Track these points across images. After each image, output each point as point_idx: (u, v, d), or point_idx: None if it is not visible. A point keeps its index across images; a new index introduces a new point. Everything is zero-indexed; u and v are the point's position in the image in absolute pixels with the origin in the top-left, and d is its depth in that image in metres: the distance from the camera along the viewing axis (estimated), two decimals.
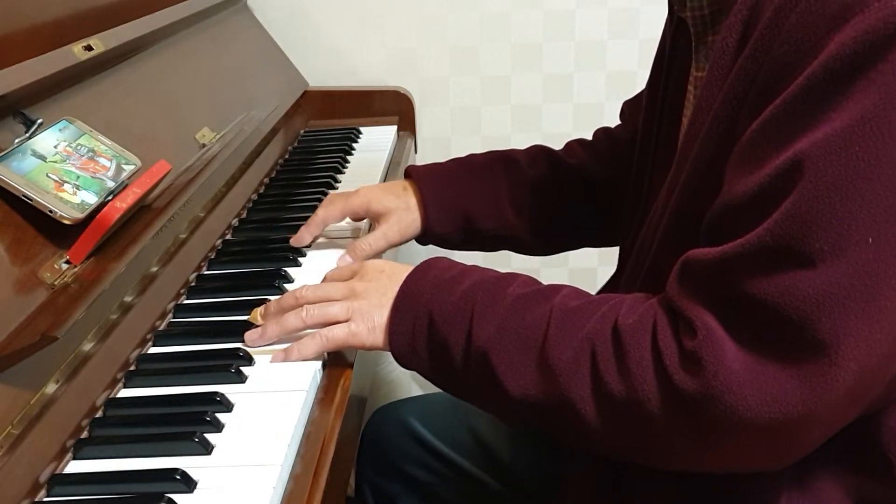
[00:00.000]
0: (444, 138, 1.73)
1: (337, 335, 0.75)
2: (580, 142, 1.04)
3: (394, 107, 1.58)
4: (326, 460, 0.67)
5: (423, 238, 0.99)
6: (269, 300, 0.87)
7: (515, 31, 1.65)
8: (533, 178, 0.99)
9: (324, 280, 0.83)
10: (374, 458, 1.02)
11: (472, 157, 1.03)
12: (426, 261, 0.77)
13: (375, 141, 1.46)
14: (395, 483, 1.00)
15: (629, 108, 1.03)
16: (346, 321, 0.75)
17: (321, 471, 0.66)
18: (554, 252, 1.07)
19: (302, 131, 1.51)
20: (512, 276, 0.73)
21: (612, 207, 0.99)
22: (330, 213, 0.99)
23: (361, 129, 1.50)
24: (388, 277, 0.77)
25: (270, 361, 0.76)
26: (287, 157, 1.37)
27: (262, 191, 1.21)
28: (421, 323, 0.72)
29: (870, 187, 0.51)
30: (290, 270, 0.94)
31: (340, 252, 0.98)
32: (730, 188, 0.58)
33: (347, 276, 0.80)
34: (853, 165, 0.51)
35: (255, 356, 0.77)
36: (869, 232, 0.51)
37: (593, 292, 0.65)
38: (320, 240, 1.01)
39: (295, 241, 0.99)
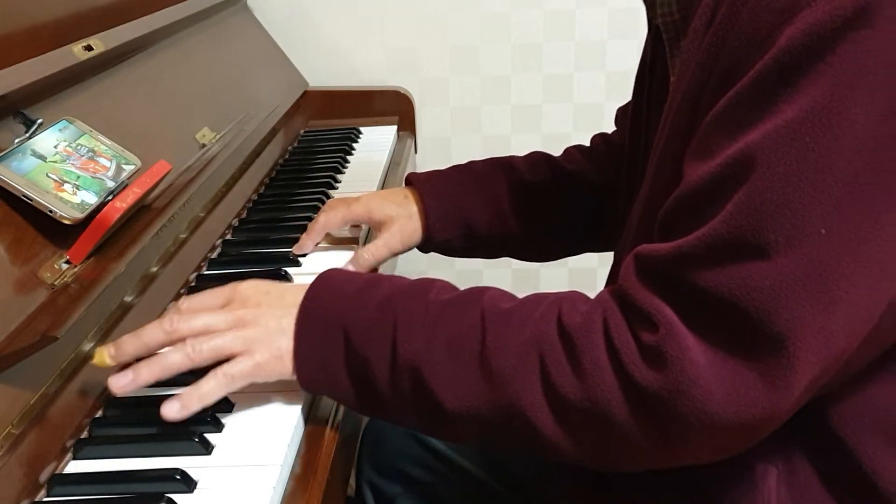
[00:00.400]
0: (444, 138, 1.73)
1: (242, 370, 0.66)
2: (579, 148, 1.04)
3: (394, 107, 1.58)
4: (327, 460, 0.67)
5: (424, 246, 0.99)
6: None
7: (515, 31, 1.65)
8: (533, 184, 0.99)
9: (185, 307, 0.71)
10: (373, 457, 1.02)
11: (472, 164, 1.03)
12: (320, 275, 0.71)
13: (375, 141, 1.46)
14: (395, 483, 1.00)
15: (623, 114, 1.03)
16: (242, 352, 0.67)
17: (321, 471, 0.66)
18: (555, 258, 1.07)
19: (302, 131, 1.51)
20: (428, 282, 0.68)
21: (611, 213, 0.99)
22: (331, 220, 0.98)
23: (361, 129, 1.50)
24: (279, 298, 0.69)
25: (161, 414, 0.65)
26: (287, 157, 1.37)
27: (262, 191, 1.21)
28: (334, 342, 0.65)
29: (821, 178, 0.51)
30: (290, 270, 0.94)
31: (339, 252, 0.98)
32: (684, 179, 0.58)
33: (219, 303, 0.71)
34: (804, 157, 0.51)
35: None
36: (822, 223, 0.51)
37: (593, 293, 0.65)
38: (371, 266, 1.01)
39: (297, 249, 0.99)
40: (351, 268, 0.94)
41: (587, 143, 1.06)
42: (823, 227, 0.51)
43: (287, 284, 0.72)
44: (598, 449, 0.61)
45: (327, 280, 0.70)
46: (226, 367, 0.66)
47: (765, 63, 0.53)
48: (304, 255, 0.99)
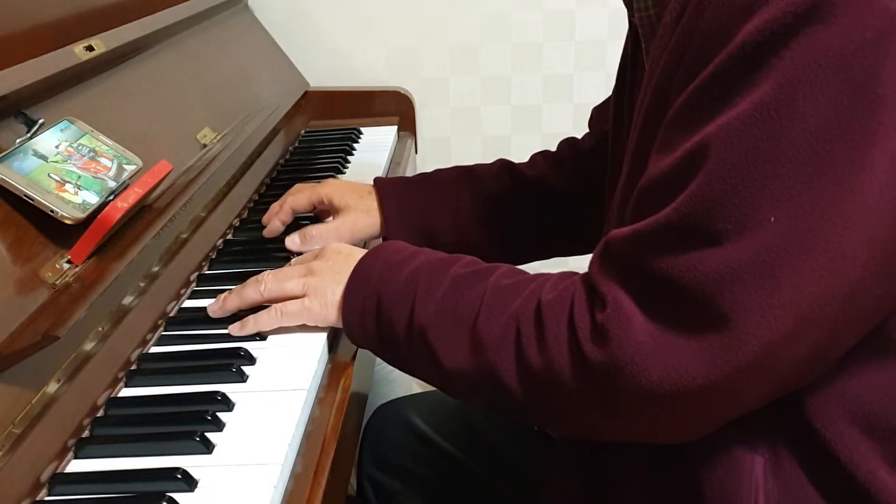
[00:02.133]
0: (444, 138, 1.73)
1: (291, 309, 0.79)
2: (544, 154, 1.06)
3: (394, 107, 1.58)
4: (327, 459, 0.67)
5: None
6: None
7: (515, 31, 1.66)
8: (494, 192, 1.01)
9: (294, 260, 0.87)
10: (375, 454, 1.02)
11: (436, 171, 1.06)
12: (381, 244, 0.82)
13: (376, 141, 1.46)
14: (397, 480, 1.00)
15: (597, 114, 1.04)
16: (302, 297, 0.79)
17: (322, 470, 0.66)
18: (526, 262, 1.07)
19: (302, 131, 1.51)
20: (456, 258, 0.75)
21: (574, 219, 1.01)
22: (298, 201, 1.03)
23: (362, 129, 1.50)
24: (345, 259, 0.80)
25: (227, 330, 0.80)
26: (288, 157, 1.37)
27: (262, 191, 1.21)
28: (370, 302, 0.75)
29: (770, 168, 0.53)
30: None
31: None
32: (647, 172, 0.61)
33: (310, 260, 0.84)
34: (753, 147, 0.53)
35: (256, 356, 0.77)
36: (770, 211, 0.53)
37: None
38: (318, 245, 1.01)
39: (268, 233, 1.03)
40: (295, 239, 0.98)
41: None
42: (772, 215, 0.53)
43: (358, 249, 0.82)
44: (553, 414, 0.67)
45: (380, 249, 0.79)
46: (280, 305, 0.79)
47: (722, 59, 0.55)
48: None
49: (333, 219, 1.00)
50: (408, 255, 0.77)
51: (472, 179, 1.02)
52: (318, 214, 1.06)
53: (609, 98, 0.99)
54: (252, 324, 0.80)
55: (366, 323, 0.76)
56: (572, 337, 0.62)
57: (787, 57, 0.52)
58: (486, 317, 0.68)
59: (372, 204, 1.01)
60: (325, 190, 1.02)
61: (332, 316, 0.78)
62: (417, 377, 0.77)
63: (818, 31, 0.51)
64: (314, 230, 0.98)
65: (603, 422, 0.64)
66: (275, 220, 1.02)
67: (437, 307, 0.71)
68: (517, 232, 1.02)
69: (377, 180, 1.04)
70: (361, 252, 0.80)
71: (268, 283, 0.81)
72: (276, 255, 0.99)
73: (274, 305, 0.80)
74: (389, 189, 1.02)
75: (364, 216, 1.00)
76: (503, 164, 1.04)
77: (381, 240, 1.02)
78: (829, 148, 0.52)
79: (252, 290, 0.81)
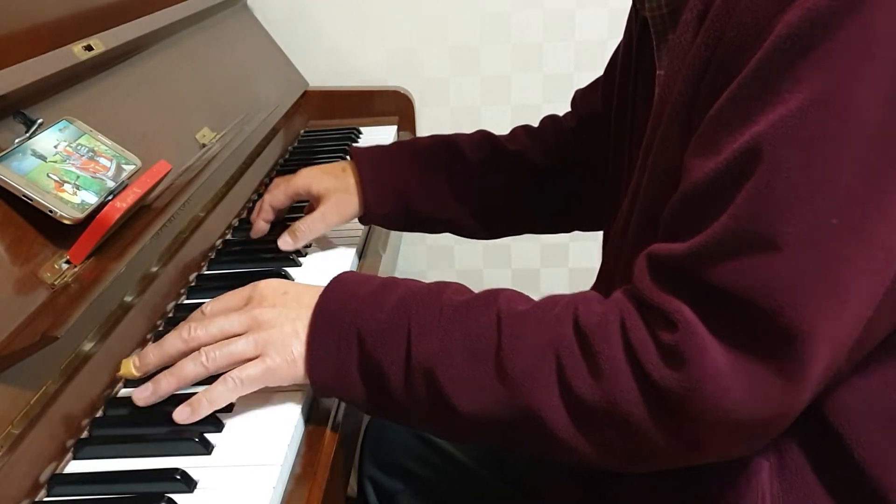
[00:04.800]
0: None
1: (252, 375, 0.66)
2: (525, 128, 1.05)
3: (394, 107, 1.58)
4: (327, 460, 0.67)
5: (364, 219, 1.00)
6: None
7: (515, 31, 1.65)
8: (473, 163, 1.00)
9: (209, 311, 0.72)
10: (375, 454, 1.02)
11: (415, 139, 1.05)
12: (334, 278, 0.70)
13: (376, 141, 1.45)
14: (397, 479, 1.00)
15: (582, 97, 1.04)
16: (255, 356, 0.67)
17: (321, 470, 0.66)
18: (497, 237, 1.06)
19: (302, 131, 1.51)
20: (442, 285, 0.67)
21: (550, 196, 1.00)
22: (275, 197, 1.01)
23: (362, 129, 1.50)
24: (295, 300, 0.69)
25: (172, 417, 0.67)
26: (287, 157, 1.37)
27: (262, 191, 1.21)
28: (348, 345, 0.65)
29: (829, 168, 0.50)
30: (291, 270, 0.94)
31: (338, 250, 0.98)
32: (688, 176, 0.57)
33: (239, 304, 0.71)
34: (811, 146, 0.50)
35: None
36: (832, 213, 0.51)
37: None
38: (311, 239, 1.01)
39: (254, 234, 1.02)
40: (288, 240, 0.96)
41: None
42: (834, 217, 0.51)
43: (305, 285, 0.71)
44: (615, 450, 0.60)
45: (341, 283, 0.69)
46: (236, 372, 0.67)
47: (764, 52, 0.52)
48: (302, 249, 0.99)
49: (317, 207, 0.99)
50: (380, 286, 0.67)
51: (451, 148, 1.01)
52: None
53: (597, 82, 0.99)
54: (206, 403, 0.66)
55: (346, 372, 0.65)
56: (633, 362, 0.56)
57: (836, 48, 0.49)
58: (510, 349, 0.60)
59: (349, 181, 0.98)
60: (300, 181, 1.00)
61: (301, 370, 0.67)
62: (423, 429, 0.67)
63: (866, 18, 0.49)
64: (302, 225, 0.97)
65: (672, 451, 0.58)
66: (258, 220, 1.02)
67: (441, 341, 0.62)
68: (493, 203, 1.01)
69: (353, 150, 1.02)
70: (310, 288, 0.70)
71: (209, 352, 0.67)
72: (275, 255, 0.98)
73: (228, 375, 0.67)
74: (365, 160, 1.00)
75: (344, 195, 0.98)
76: (484, 135, 1.03)
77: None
78: (888, 142, 0.50)
79: (193, 366, 0.67)
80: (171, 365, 0.69)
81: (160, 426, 0.68)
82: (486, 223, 1.02)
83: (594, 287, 0.89)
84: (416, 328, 0.63)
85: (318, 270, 0.96)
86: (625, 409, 0.57)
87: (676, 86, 0.61)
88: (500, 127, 1.72)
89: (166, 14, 1.14)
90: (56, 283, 0.71)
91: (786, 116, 0.51)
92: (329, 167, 1.02)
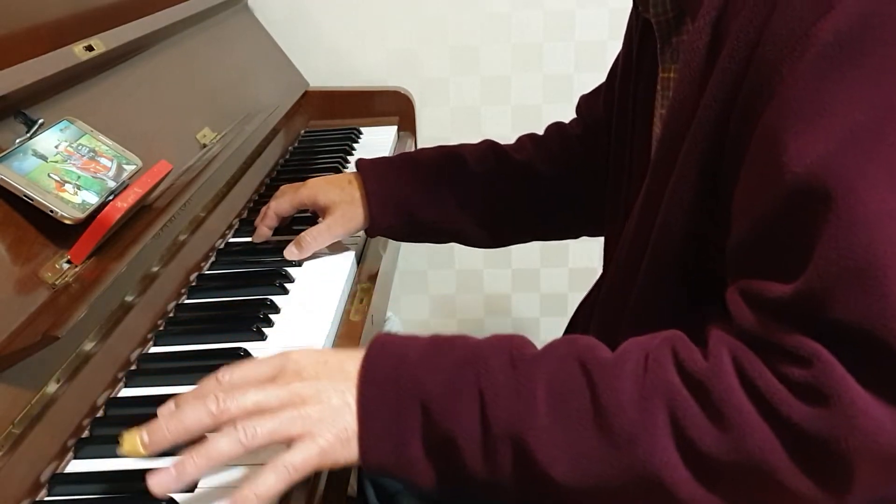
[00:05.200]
0: (444, 138, 1.73)
1: (306, 459, 0.56)
2: (531, 137, 1.05)
3: (394, 107, 1.58)
4: None
5: (369, 231, 1.00)
6: (272, 299, 0.87)
7: (515, 31, 1.65)
8: (478, 173, 1.00)
9: (228, 381, 0.60)
10: None
11: (421, 151, 1.05)
12: (373, 341, 0.61)
13: (376, 141, 1.46)
14: (397, 480, 1.00)
15: (586, 102, 1.04)
16: (302, 436, 0.57)
17: (321, 470, 0.66)
18: (502, 245, 1.07)
19: (302, 131, 1.51)
20: (503, 337, 0.60)
21: (556, 204, 1.00)
22: (281, 205, 1.01)
23: (362, 129, 1.50)
24: (339, 369, 0.60)
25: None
26: (287, 157, 1.37)
27: (262, 191, 1.21)
28: (408, 416, 0.57)
29: None
30: (291, 271, 0.94)
31: (337, 255, 0.99)
32: (758, 205, 0.54)
33: (269, 374, 0.60)
34: (889, 158, 0.48)
35: (255, 354, 0.77)
36: None
37: None
38: (316, 249, 1.01)
39: (256, 238, 1.02)
40: (293, 250, 0.96)
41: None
42: None
43: (346, 351, 0.62)
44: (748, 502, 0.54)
45: (383, 345, 0.60)
46: (287, 457, 0.56)
47: (806, 63, 0.49)
48: (290, 259, 0.99)
49: (322, 218, 0.99)
50: (430, 345, 0.60)
51: (456, 159, 1.01)
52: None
53: (599, 87, 0.99)
54: (253, 497, 0.55)
55: (406, 445, 0.57)
56: (763, 405, 0.51)
57: (886, 52, 0.47)
58: (609, 404, 0.53)
59: (355, 193, 0.98)
60: (307, 192, 1.00)
61: (356, 450, 0.57)
62: (494, 498, 0.58)
63: None
64: (308, 236, 0.97)
65: (812, 493, 0.52)
66: (262, 226, 1.02)
67: (524, 403, 0.55)
68: (498, 213, 1.00)
69: (359, 161, 1.02)
70: (349, 353, 0.61)
71: (247, 428, 0.56)
72: (275, 255, 0.99)
73: (275, 462, 0.56)
74: (371, 172, 1.00)
75: (350, 207, 0.98)
76: (489, 145, 1.03)
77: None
78: None
79: (229, 444, 0.56)
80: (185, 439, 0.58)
81: None
82: (491, 232, 1.02)
83: (594, 288, 0.89)
84: (489, 388, 0.56)
85: (318, 271, 0.96)
86: (760, 458, 0.51)
87: (700, 98, 0.58)
88: (500, 127, 1.73)
89: (167, 14, 1.14)
90: (57, 282, 0.71)
91: (847, 132, 0.48)
92: (335, 179, 1.02)
